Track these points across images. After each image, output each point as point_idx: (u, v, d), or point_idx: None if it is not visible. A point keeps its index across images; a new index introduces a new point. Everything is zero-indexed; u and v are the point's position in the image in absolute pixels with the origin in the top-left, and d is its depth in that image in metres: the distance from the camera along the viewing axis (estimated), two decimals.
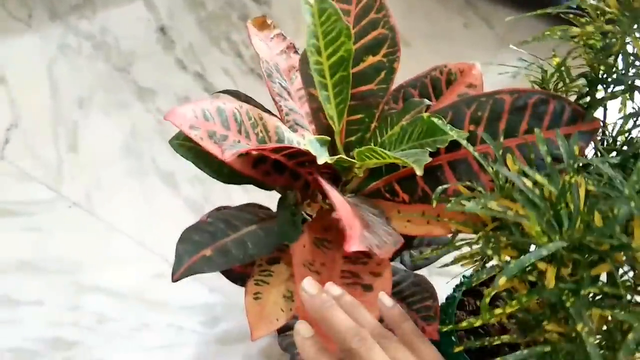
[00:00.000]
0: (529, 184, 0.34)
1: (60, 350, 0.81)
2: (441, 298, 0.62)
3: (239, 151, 0.43)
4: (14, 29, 1.20)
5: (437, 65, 0.59)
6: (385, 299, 0.45)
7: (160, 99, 1.12)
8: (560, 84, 0.51)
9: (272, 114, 0.55)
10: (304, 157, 0.48)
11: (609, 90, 0.47)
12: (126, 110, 1.10)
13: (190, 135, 0.45)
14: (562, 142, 0.35)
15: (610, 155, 0.48)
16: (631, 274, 0.35)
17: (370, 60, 0.55)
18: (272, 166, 0.50)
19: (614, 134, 0.48)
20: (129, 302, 0.87)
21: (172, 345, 0.83)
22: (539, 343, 0.35)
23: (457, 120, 0.49)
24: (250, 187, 0.53)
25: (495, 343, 0.38)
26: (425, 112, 0.54)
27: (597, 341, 0.33)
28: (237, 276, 0.57)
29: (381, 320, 0.45)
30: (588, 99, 0.49)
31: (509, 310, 0.33)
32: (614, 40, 0.44)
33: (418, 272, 0.64)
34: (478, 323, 0.35)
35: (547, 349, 0.33)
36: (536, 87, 0.54)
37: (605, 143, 0.49)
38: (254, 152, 0.48)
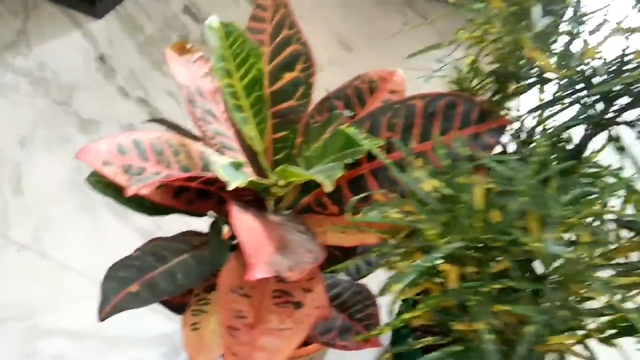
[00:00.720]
0: (429, 187, 0.34)
1: None
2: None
3: (145, 184, 0.42)
4: None
5: (360, 74, 0.60)
6: None
7: (104, 129, 1.11)
8: (475, 82, 0.52)
9: (199, 139, 0.54)
10: (222, 183, 0.47)
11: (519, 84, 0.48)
12: (70, 145, 1.08)
13: (103, 172, 0.44)
14: (459, 144, 0.36)
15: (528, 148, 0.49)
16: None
17: (288, 76, 0.55)
18: (196, 194, 0.50)
19: (528, 128, 0.48)
20: (88, 342, 0.85)
21: None
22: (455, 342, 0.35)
23: (374, 128, 0.50)
24: None
25: (418, 345, 0.38)
26: (349, 122, 0.54)
27: (499, 337, 0.33)
28: (177, 306, 0.56)
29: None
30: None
31: (418, 312, 0.33)
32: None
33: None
34: (388, 330, 0.35)
35: (459, 348, 0.33)
36: (454, 87, 0.54)
37: (521, 137, 0.49)
38: (176, 182, 0.47)
